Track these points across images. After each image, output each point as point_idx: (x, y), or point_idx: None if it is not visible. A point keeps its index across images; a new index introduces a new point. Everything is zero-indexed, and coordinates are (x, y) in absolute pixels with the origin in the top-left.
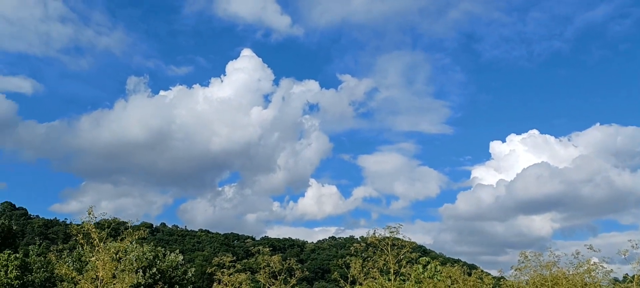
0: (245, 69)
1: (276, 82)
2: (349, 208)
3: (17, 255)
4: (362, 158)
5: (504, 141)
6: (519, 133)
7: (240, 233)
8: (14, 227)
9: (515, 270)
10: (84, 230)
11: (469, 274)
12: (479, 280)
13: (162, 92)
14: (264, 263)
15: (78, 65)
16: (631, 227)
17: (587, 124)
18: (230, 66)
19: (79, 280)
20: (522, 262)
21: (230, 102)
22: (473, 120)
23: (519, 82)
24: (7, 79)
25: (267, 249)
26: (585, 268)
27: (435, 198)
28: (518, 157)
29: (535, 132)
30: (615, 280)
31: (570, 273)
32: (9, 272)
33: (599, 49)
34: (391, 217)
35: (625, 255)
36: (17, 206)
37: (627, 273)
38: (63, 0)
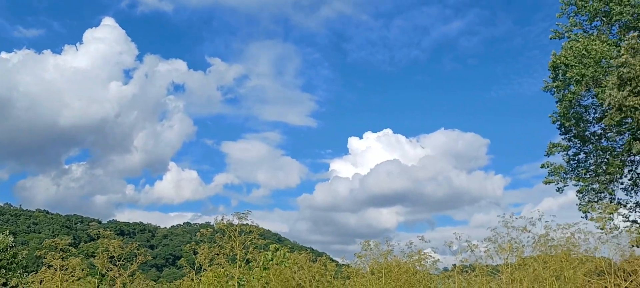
0: (105, 40)
1: (140, 57)
2: (208, 194)
3: None
4: (226, 145)
5: (361, 138)
6: (375, 131)
7: (84, 216)
8: None
9: (358, 257)
10: None
11: (314, 261)
12: (323, 267)
13: (4, 54)
14: (103, 248)
15: None
16: (462, 223)
17: (434, 127)
18: (89, 34)
19: None
20: (364, 251)
21: (86, 73)
22: (336, 116)
23: (380, 83)
24: None
25: (108, 232)
26: (417, 257)
27: (295, 188)
28: (373, 153)
29: (389, 131)
30: (445, 269)
31: (404, 261)
32: None
33: (451, 61)
34: (251, 204)
35: (450, 246)
36: None
37: (454, 264)
38: None
